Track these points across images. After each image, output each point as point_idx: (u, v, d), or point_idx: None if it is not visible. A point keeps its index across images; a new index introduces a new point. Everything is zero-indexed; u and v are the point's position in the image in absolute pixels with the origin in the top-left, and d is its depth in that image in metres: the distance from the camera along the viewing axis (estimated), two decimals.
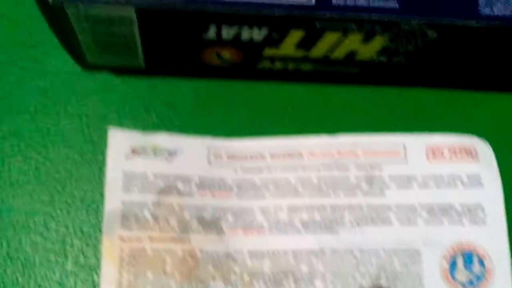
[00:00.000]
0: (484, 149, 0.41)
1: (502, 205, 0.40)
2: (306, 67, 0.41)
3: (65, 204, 0.40)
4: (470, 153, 0.41)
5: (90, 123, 0.42)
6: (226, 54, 0.39)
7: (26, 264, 0.39)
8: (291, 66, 0.41)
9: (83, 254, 0.39)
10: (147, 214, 0.38)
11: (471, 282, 0.39)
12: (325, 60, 0.39)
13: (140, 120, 0.42)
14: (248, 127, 0.42)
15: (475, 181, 0.40)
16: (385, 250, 0.39)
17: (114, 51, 0.40)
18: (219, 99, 0.43)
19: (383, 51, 0.38)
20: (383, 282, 0.38)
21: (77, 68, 0.43)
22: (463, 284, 0.39)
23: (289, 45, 0.38)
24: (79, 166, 0.41)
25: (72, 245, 0.40)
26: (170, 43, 0.39)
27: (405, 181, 0.40)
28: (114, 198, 0.39)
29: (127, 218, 0.38)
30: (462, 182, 0.40)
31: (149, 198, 0.39)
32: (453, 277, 0.39)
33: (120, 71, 0.43)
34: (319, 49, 0.39)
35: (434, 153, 0.41)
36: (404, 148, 0.41)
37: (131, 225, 0.38)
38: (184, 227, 0.39)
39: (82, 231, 0.40)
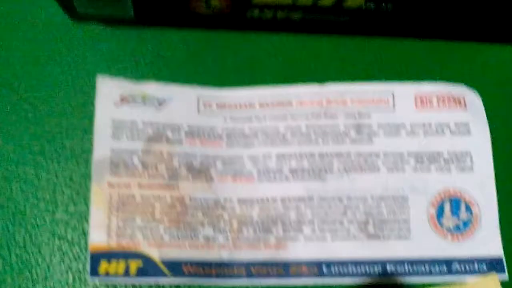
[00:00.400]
0: (472, 98, 0.41)
1: (489, 152, 0.40)
2: (296, 15, 0.41)
3: (55, 154, 0.40)
4: (459, 102, 0.41)
5: (80, 73, 0.42)
6: (215, 1, 0.39)
7: (16, 212, 0.39)
8: (280, 14, 0.41)
9: (73, 202, 0.40)
10: (136, 161, 0.39)
11: (457, 228, 0.39)
12: (314, 7, 0.39)
13: (130, 70, 0.42)
14: (238, 77, 0.42)
15: (463, 129, 0.40)
16: (373, 196, 0.39)
17: (103, 0, 0.40)
18: (209, 49, 0.43)
19: None
20: (370, 227, 0.39)
21: (68, 20, 0.42)
22: (449, 230, 0.39)
23: None
24: (69, 116, 0.41)
25: (62, 194, 0.40)
26: None
27: (393, 129, 0.40)
28: (103, 145, 0.39)
29: (116, 165, 0.38)
30: (450, 130, 0.40)
31: (138, 145, 0.39)
32: (440, 223, 0.39)
33: (110, 21, 0.43)
34: None
35: (422, 101, 0.41)
36: (393, 96, 0.41)
37: (120, 172, 0.38)
38: (173, 174, 0.39)
39: (72, 180, 0.40)
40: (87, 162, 0.40)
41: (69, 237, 0.39)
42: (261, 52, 0.43)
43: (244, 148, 0.40)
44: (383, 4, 0.39)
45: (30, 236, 0.39)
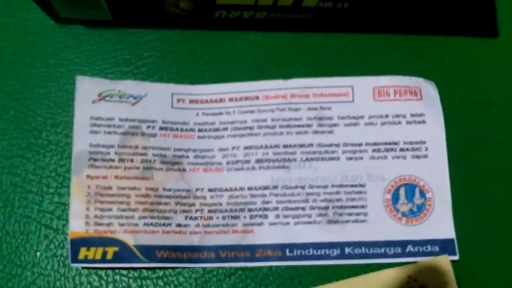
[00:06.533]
0: (428, 89, 0.43)
1: (443, 140, 0.43)
2: (261, 15, 0.43)
3: (41, 148, 0.43)
4: (415, 93, 0.43)
5: (64, 72, 0.45)
6: (183, 3, 0.42)
7: (6, 204, 0.42)
8: (246, 14, 0.43)
9: (58, 193, 0.43)
10: (112, 155, 0.42)
11: (412, 212, 0.42)
12: (275, 7, 0.42)
13: (109, 69, 0.45)
14: (210, 74, 0.45)
15: (418, 119, 0.43)
16: (333, 184, 0.42)
17: (81, 5, 0.42)
18: (183, 48, 0.45)
19: None
20: (330, 213, 0.42)
21: (52, 22, 0.45)
22: (404, 214, 0.42)
23: None
24: (54, 113, 0.44)
25: (48, 186, 0.43)
26: None
27: (353, 120, 0.43)
28: (82, 141, 0.42)
29: (94, 158, 0.41)
30: (406, 120, 0.43)
31: (115, 140, 0.42)
32: (395, 208, 0.42)
33: (91, 23, 0.45)
34: None
35: (380, 93, 0.43)
36: (352, 89, 0.43)
37: (98, 165, 0.41)
38: (148, 166, 0.42)
39: (57, 172, 0.43)
40: (70, 156, 0.43)
41: (54, 226, 0.42)
42: (231, 50, 0.45)
43: (215, 140, 0.43)
44: (339, 3, 0.41)
45: (19, 226, 0.42)
